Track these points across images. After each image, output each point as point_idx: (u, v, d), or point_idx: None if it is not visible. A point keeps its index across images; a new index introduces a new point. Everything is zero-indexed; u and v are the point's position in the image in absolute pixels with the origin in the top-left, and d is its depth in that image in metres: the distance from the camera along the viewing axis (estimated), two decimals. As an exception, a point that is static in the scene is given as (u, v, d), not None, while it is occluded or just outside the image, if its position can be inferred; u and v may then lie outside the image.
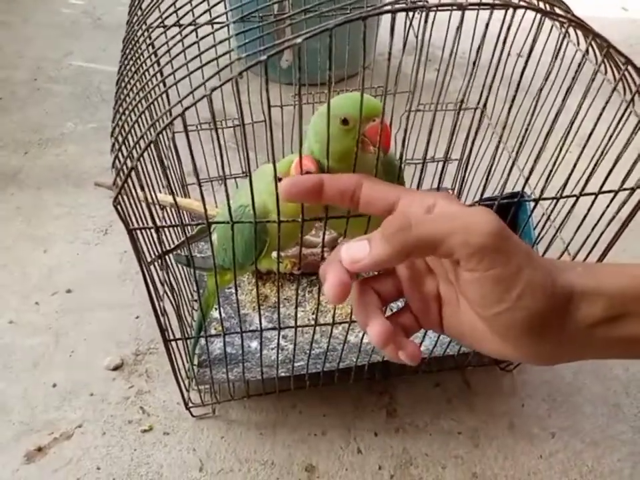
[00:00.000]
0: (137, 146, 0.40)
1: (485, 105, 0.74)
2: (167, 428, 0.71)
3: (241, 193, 0.58)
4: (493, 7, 0.39)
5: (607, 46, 0.41)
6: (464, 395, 0.75)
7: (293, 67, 1.14)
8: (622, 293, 0.28)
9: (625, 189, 0.50)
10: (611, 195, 0.50)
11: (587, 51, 0.48)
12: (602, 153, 0.48)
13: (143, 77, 0.46)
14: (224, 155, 0.43)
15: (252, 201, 0.42)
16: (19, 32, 1.50)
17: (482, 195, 0.49)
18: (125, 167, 0.41)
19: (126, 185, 0.42)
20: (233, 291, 0.77)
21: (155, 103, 0.44)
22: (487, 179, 0.50)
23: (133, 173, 0.41)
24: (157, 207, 0.62)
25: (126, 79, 0.48)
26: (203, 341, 0.71)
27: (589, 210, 0.51)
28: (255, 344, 0.74)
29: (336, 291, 0.28)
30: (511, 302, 0.26)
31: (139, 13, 0.56)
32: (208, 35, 0.43)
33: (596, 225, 0.53)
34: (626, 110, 0.45)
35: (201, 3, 0.51)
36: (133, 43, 0.52)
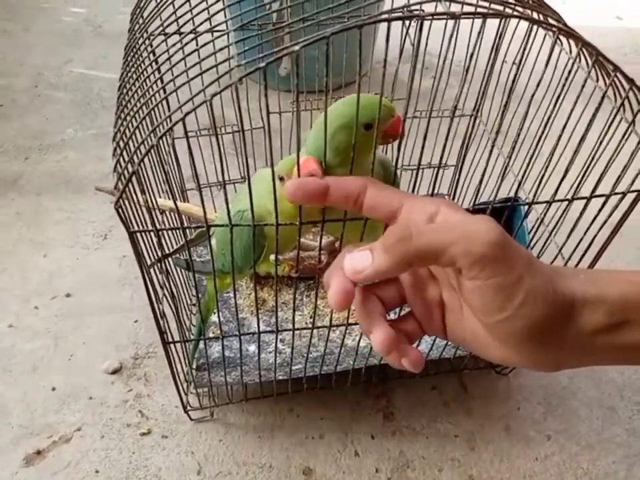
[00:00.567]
0: (138, 151, 0.41)
1: (477, 111, 0.75)
2: (165, 431, 0.71)
3: (239, 198, 0.59)
4: (485, 16, 0.40)
5: (596, 54, 0.42)
6: (460, 398, 0.76)
7: (291, 74, 1.16)
8: (624, 301, 0.28)
9: (616, 193, 0.51)
10: (604, 199, 0.51)
11: (578, 59, 0.49)
12: (592, 158, 0.49)
13: (144, 83, 0.47)
14: (223, 160, 0.44)
15: (251, 204, 0.42)
16: (20, 40, 1.51)
17: (475, 199, 0.50)
18: (126, 171, 0.42)
19: (127, 189, 0.42)
20: (232, 295, 0.78)
21: (156, 109, 0.45)
22: (480, 184, 0.51)
23: (134, 178, 0.42)
24: (157, 211, 0.63)
25: (127, 86, 0.49)
26: (201, 344, 0.71)
27: (581, 214, 0.52)
28: (253, 347, 0.74)
29: (339, 298, 0.28)
30: (512, 310, 0.27)
31: (141, 21, 0.57)
32: (208, 43, 0.44)
33: (588, 229, 0.54)
34: (615, 116, 0.46)
35: (201, 11, 0.52)
36: (135, 50, 0.53)
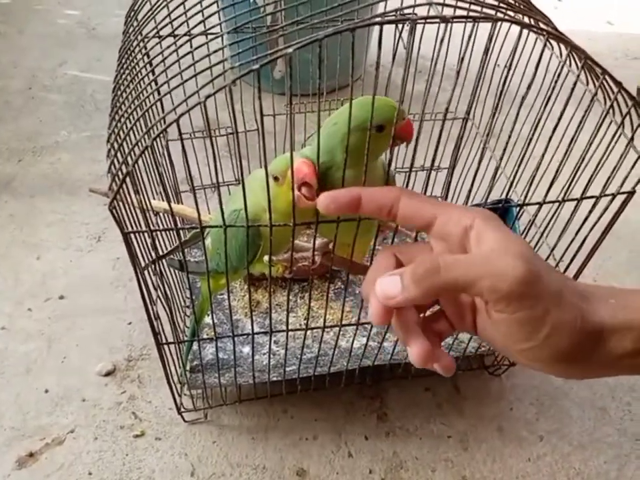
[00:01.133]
0: (132, 152, 0.42)
1: (469, 114, 0.75)
2: (158, 433, 0.71)
3: (234, 198, 0.59)
4: (475, 20, 0.41)
5: (585, 57, 0.43)
6: (453, 399, 0.76)
7: (286, 77, 1.16)
8: None
9: (606, 195, 0.52)
10: (594, 201, 0.52)
11: (569, 62, 0.50)
12: (582, 159, 0.50)
13: (139, 85, 0.48)
14: (217, 162, 0.45)
15: (244, 205, 0.43)
16: (14, 42, 1.51)
17: (467, 201, 0.51)
18: (120, 172, 0.42)
19: (121, 190, 0.43)
20: (226, 297, 0.78)
21: (150, 111, 0.45)
22: (472, 186, 0.51)
23: (128, 178, 0.42)
24: (151, 212, 0.63)
25: (122, 87, 0.49)
26: (195, 346, 0.71)
27: (571, 215, 0.53)
28: (247, 349, 0.74)
29: (379, 314, 0.29)
30: (538, 341, 0.27)
31: (135, 23, 0.57)
32: (202, 45, 0.44)
33: (579, 230, 0.54)
34: (604, 118, 0.47)
35: (195, 14, 0.52)
36: (129, 52, 0.53)
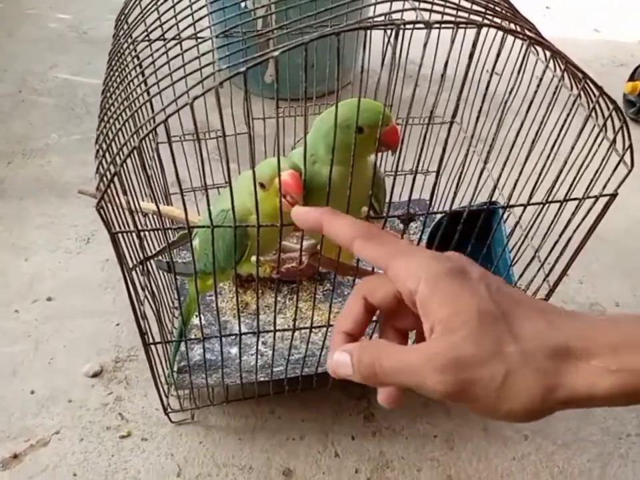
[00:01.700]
0: (121, 152, 0.42)
1: (454, 117, 0.77)
2: (145, 434, 0.71)
3: (222, 199, 0.60)
4: (458, 24, 0.42)
5: (565, 62, 0.44)
6: (440, 400, 0.77)
7: (274, 83, 1.17)
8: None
9: (589, 197, 0.53)
10: (577, 202, 0.53)
11: (553, 68, 0.51)
12: (566, 162, 0.51)
13: (128, 87, 0.48)
14: (206, 165, 0.45)
15: (232, 205, 0.43)
16: (5, 46, 1.51)
17: (452, 204, 0.52)
18: (108, 173, 0.43)
19: (109, 191, 0.43)
20: (214, 298, 0.78)
21: (139, 112, 0.46)
22: (457, 188, 0.52)
23: (115, 179, 0.42)
24: (140, 213, 0.63)
25: (111, 89, 0.50)
26: (182, 347, 0.71)
27: (555, 216, 0.54)
28: (234, 350, 0.74)
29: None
30: (498, 417, 0.26)
31: (125, 26, 0.58)
32: (192, 48, 0.45)
33: (563, 231, 0.55)
34: (587, 122, 0.48)
35: (185, 17, 0.53)
36: (119, 55, 0.54)
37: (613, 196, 0.54)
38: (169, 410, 0.70)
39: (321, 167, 0.52)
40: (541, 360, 0.25)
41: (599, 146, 0.50)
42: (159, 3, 0.57)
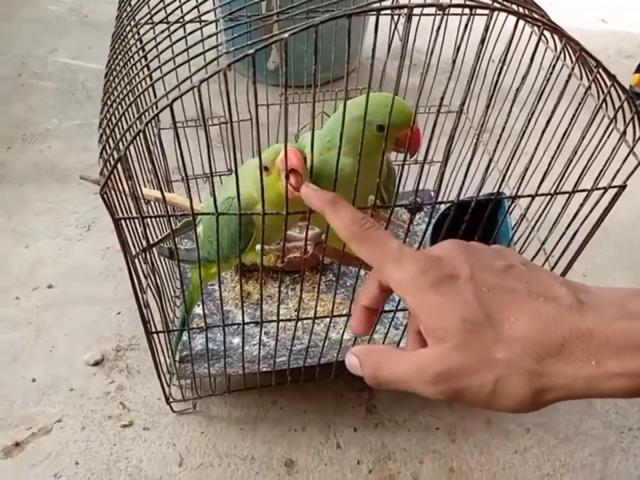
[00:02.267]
0: (124, 137, 0.41)
1: (462, 107, 0.76)
2: (147, 423, 0.71)
3: (227, 186, 0.59)
4: (472, 8, 0.41)
5: (580, 49, 0.43)
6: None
7: (280, 65, 1.15)
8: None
9: (598, 189, 0.52)
10: (586, 194, 0.52)
11: (563, 56, 0.50)
12: (574, 153, 0.50)
13: (131, 70, 0.47)
14: (210, 150, 0.44)
15: (237, 193, 0.42)
16: (4, 29, 1.49)
17: (459, 194, 0.51)
18: (112, 158, 0.42)
19: (112, 176, 0.42)
20: (216, 287, 0.77)
21: (142, 96, 0.45)
22: (465, 179, 0.51)
23: (119, 164, 0.41)
24: (142, 200, 0.62)
25: (114, 73, 0.49)
26: (185, 336, 0.71)
27: (563, 209, 0.53)
28: (237, 340, 0.74)
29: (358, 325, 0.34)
30: (495, 408, 0.27)
31: (128, 9, 0.56)
32: (195, 31, 0.44)
33: (570, 224, 0.54)
34: (597, 112, 0.47)
35: (188, 0, 0.51)
36: (122, 38, 0.53)
37: (622, 187, 0.53)
38: (171, 399, 0.69)
39: (335, 154, 0.51)
40: (531, 364, 0.25)
41: (609, 137, 0.49)
42: (162, -15, 0.56)
